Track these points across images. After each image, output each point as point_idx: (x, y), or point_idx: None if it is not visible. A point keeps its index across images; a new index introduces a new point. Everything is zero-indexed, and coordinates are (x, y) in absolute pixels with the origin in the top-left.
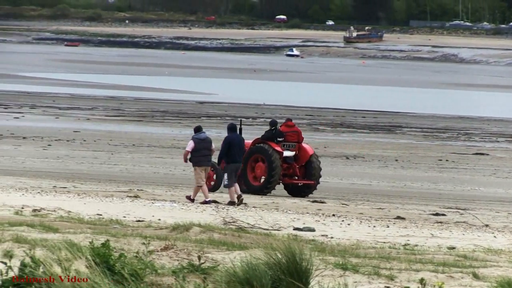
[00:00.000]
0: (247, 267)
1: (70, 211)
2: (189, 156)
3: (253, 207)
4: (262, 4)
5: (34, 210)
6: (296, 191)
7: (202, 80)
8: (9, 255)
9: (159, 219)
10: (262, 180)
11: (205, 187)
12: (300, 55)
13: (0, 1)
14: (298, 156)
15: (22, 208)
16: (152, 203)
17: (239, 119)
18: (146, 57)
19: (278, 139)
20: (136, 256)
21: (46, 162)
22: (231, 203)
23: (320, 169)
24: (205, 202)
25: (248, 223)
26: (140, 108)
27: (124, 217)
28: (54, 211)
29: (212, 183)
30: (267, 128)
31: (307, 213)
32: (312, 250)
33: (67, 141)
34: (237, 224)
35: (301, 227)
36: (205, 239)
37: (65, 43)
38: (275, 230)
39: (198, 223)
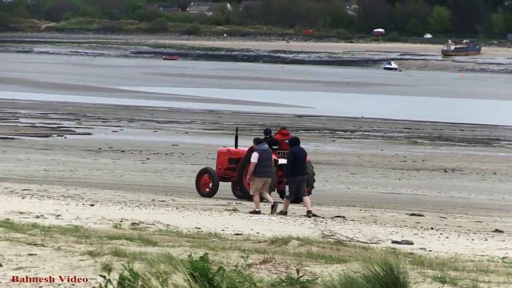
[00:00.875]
0: (345, 280)
1: (168, 225)
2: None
3: (352, 220)
4: (360, 18)
5: (133, 224)
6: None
7: (300, 94)
8: (108, 268)
9: (258, 233)
10: None
11: (257, 198)
12: (398, 68)
13: (99, 15)
14: None
15: (121, 221)
16: (251, 216)
17: (235, 127)
18: (244, 71)
19: (273, 147)
20: (235, 270)
21: (145, 175)
22: (283, 213)
23: (314, 174)
24: (254, 212)
25: (346, 236)
26: (238, 122)
27: (223, 230)
28: (153, 224)
29: (207, 189)
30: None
31: (405, 226)
32: (410, 263)
33: (166, 154)
34: (335, 238)
35: (400, 240)
36: (304, 252)
37: (164, 56)
38: (373, 243)
39: (296, 236)
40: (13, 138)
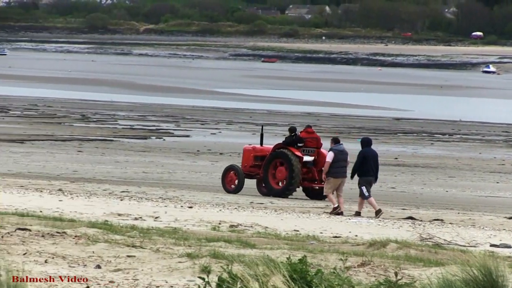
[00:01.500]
0: (443, 284)
1: (267, 227)
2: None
3: (450, 223)
4: (458, 21)
5: (231, 226)
6: (314, 194)
7: (398, 97)
8: (206, 270)
9: (356, 235)
10: (283, 183)
11: (331, 196)
12: (497, 71)
13: (197, 18)
14: (317, 161)
15: (219, 223)
16: (349, 219)
17: (261, 125)
18: (342, 74)
19: (298, 144)
20: (333, 272)
21: None
22: (357, 213)
23: None
24: (334, 210)
25: (444, 240)
26: (336, 124)
27: (321, 233)
28: (251, 226)
29: (233, 186)
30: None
31: (504, 229)
32: (508, 266)
33: None
34: (433, 241)
35: (498, 243)
36: (402, 255)
37: (262, 59)
38: (471, 246)
39: (395, 239)
40: (111, 140)
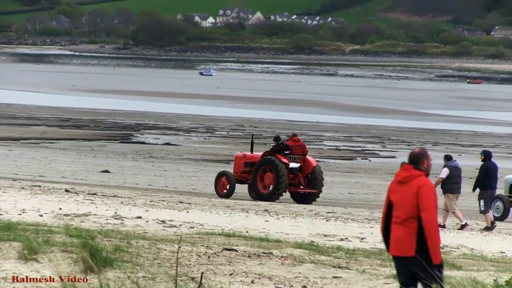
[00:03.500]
0: None
1: (473, 249)
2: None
3: None
4: None
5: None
6: (301, 199)
7: None
8: None
9: None
10: (271, 188)
11: (458, 212)
12: None
13: (403, 39)
14: (303, 167)
15: None
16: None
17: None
18: None
19: (285, 151)
20: None
21: None
22: (487, 228)
23: (323, 179)
24: (462, 227)
25: None
26: None
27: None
28: (457, 248)
29: (224, 190)
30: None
31: None
32: None
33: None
34: None
35: None
36: None
37: (468, 80)
38: None
39: None
40: (317, 161)
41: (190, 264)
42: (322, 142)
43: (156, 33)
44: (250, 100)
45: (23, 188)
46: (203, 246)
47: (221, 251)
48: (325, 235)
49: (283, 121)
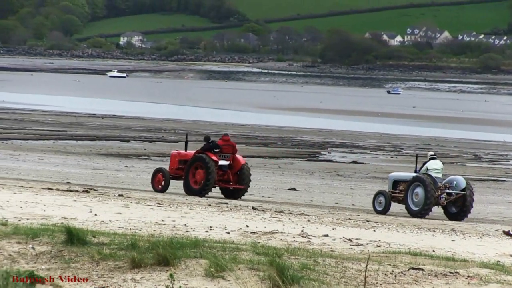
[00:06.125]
0: None
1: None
2: None
3: None
4: None
5: None
6: (230, 194)
7: None
8: None
9: None
10: (200, 184)
11: None
12: None
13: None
14: (232, 165)
15: None
16: None
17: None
18: None
19: (215, 150)
20: None
21: None
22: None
23: (250, 175)
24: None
25: None
26: None
27: None
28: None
29: (160, 186)
30: None
31: None
32: None
33: None
34: None
35: None
36: None
37: None
38: None
39: None
40: (504, 181)
41: (376, 283)
42: (508, 161)
43: (344, 51)
44: (437, 119)
45: (210, 205)
46: (389, 265)
47: (408, 270)
48: (511, 255)
49: (470, 140)
